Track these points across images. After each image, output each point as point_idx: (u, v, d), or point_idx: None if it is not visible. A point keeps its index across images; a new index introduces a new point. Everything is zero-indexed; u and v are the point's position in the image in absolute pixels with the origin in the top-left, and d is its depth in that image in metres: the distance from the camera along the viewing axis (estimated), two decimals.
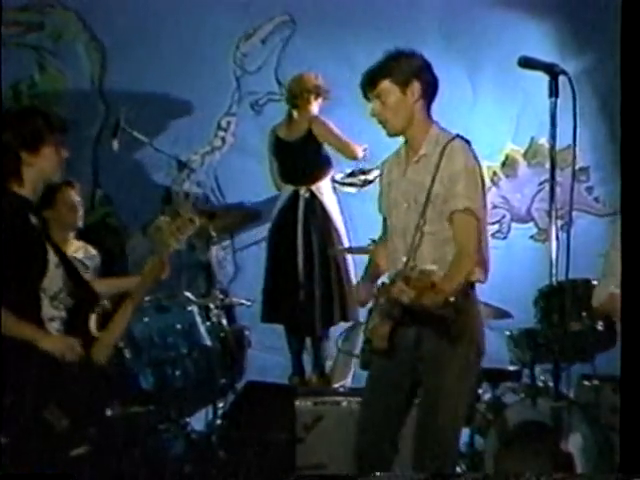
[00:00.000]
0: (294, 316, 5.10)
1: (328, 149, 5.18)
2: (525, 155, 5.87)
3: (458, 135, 3.34)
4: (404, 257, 3.27)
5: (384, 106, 3.30)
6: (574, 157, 3.25)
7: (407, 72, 3.29)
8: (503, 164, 5.89)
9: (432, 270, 3.01)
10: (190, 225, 3.29)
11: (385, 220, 3.52)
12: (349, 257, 5.11)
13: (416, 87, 3.29)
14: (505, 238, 5.89)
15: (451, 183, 3.24)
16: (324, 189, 5.20)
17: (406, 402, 3.37)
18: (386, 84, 3.28)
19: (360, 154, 5.15)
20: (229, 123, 5.66)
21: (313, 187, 5.15)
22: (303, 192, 5.13)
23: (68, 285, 3.23)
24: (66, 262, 3.29)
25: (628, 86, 3.03)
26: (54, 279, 3.18)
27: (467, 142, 3.35)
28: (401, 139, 3.39)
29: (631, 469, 2.82)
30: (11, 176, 3.16)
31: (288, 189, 5.17)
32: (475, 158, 3.33)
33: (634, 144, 2.97)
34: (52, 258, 3.20)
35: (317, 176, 5.18)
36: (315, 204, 5.13)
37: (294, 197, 5.13)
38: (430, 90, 3.34)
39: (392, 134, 3.36)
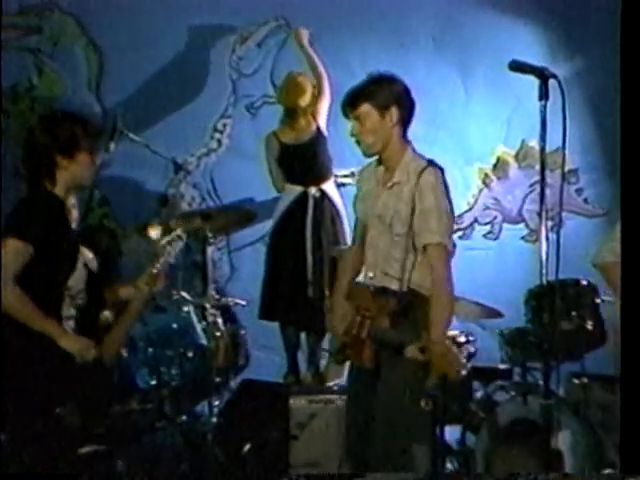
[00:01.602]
0: (298, 313, 5.10)
1: (332, 147, 5.20)
2: (516, 157, 5.87)
3: (430, 162, 3.41)
4: (383, 278, 3.38)
5: (362, 128, 3.39)
6: (563, 159, 3.28)
7: (387, 97, 3.38)
8: (495, 166, 5.90)
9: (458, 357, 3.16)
10: (179, 240, 3.36)
11: (357, 222, 3.63)
12: None
13: (395, 112, 3.38)
14: (497, 239, 5.90)
15: (424, 217, 3.35)
16: (330, 188, 5.23)
17: None
18: (366, 107, 3.37)
19: None
20: (225, 125, 5.65)
21: (323, 186, 5.18)
22: (314, 192, 5.14)
23: (86, 286, 3.27)
24: (87, 265, 3.35)
25: (627, 86, 3.00)
26: (79, 279, 3.23)
27: (440, 169, 3.43)
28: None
29: (631, 469, 2.81)
30: (45, 177, 3.20)
31: (295, 190, 5.17)
32: (445, 187, 3.41)
33: (633, 145, 2.94)
34: (81, 258, 3.24)
35: (326, 175, 5.22)
36: (325, 203, 5.15)
37: (303, 197, 5.13)
38: (407, 115, 3.43)
39: (368, 155, 3.47)
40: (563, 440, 3.99)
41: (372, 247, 3.48)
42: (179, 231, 3.39)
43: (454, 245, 3.45)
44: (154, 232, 3.35)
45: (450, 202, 3.43)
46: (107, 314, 3.51)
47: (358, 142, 3.43)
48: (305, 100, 5.16)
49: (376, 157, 3.48)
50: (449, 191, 3.44)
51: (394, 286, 3.37)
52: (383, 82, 3.41)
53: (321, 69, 5.27)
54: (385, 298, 3.37)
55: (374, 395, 3.41)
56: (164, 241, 3.36)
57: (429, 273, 3.37)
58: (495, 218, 5.92)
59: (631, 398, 2.85)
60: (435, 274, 3.35)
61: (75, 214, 4.26)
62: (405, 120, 3.42)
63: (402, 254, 3.36)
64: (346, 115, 3.44)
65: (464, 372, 4.48)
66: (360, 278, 3.57)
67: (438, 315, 3.32)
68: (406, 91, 3.43)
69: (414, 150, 3.45)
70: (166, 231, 3.40)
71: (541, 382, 4.20)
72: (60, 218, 3.20)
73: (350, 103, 3.41)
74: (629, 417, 2.86)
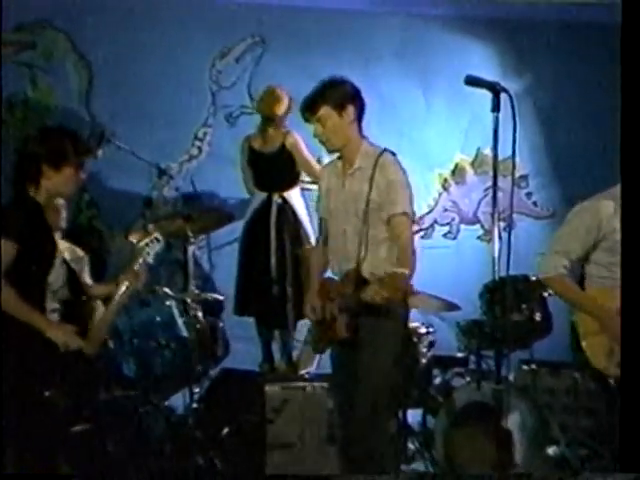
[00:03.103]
0: (266, 310, 5.10)
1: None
2: (472, 164, 5.92)
3: (385, 149, 3.48)
4: (349, 258, 3.40)
5: (324, 128, 3.44)
6: (514, 166, 3.29)
7: (343, 97, 3.45)
8: (453, 172, 5.93)
9: (402, 272, 3.15)
10: (157, 243, 3.37)
11: (321, 222, 3.65)
12: None
13: (351, 110, 3.45)
14: (455, 238, 5.94)
15: (387, 191, 3.38)
16: (294, 195, 5.20)
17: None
18: (326, 109, 3.43)
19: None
20: (205, 134, 5.64)
21: (285, 194, 5.16)
22: (276, 198, 5.13)
23: (67, 282, 3.26)
24: (66, 262, 3.35)
25: (628, 86, 2.97)
26: (59, 275, 3.22)
27: (394, 154, 3.49)
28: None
29: (631, 468, 2.76)
30: (30, 183, 3.18)
31: (261, 195, 5.16)
32: (403, 169, 3.47)
33: (633, 145, 2.89)
34: (58, 257, 3.23)
35: (288, 184, 5.19)
36: (286, 209, 5.13)
37: (267, 202, 5.12)
38: (361, 112, 3.50)
39: (331, 151, 3.52)
40: (513, 421, 4.02)
41: (335, 237, 3.50)
42: (157, 234, 3.42)
43: (412, 212, 3.48)
44: (133, 236, 3.39)
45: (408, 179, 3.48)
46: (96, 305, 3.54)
47: (322, 142, 3.48)
48: (281, 109, 5.14)
49: (337, 154, 3.51)
50: (405, 171, 3.48)
51: (351, 266, 3.38)
52: (336, 84, 3.48)
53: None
54: (348, 281, 3.38)
55: (356, 375, 3.40)
56: (142, 243, 3.38)
57: (387, 249, 3.39)
58: (453, 219, 5.95)
59: (631, 398, 2.76)
60: (401, 241, 3.37)
61: (64, 214, 4.27)
62: (360, 116, 3.48)
63: (361, 234, 3.37)
64: (306, 119, 3.49)
65: (424, 360, 4.51)
66: (328, 273, 3.58)
67: (403, 264, 3.28)
68: (357, 90, 3.50)
69: (370, 142, 3.51)
70: (146, 235, 3.42)
71: (494, 369, 4.26)
72: (39, 221, 3.19)
73: (309, 108, 3.46)
74: (629, 417, 2.76)
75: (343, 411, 3.53)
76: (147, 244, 3.36)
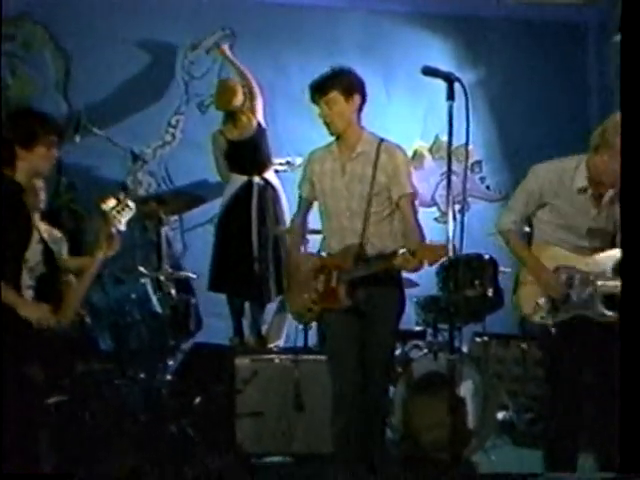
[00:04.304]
0: (245, 286, 5.07)
1: (271, 140, 5.18)
2: (430, 150, 5.93)
3: (382, 138, 3.58)
4: (353, 234, 3.47)
5: (331, 111, 3.49)
6: (467, 151, 3.33)
7: (352, 86, 3.52)
8: (412, 157, 5.92)
9: (438, 246, 3.23)
10: (127, 209, 3.33)
11: (301, 199, 3.67)
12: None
13: (357, 99, 3.53)
14: None
15: (394, 173, 3.49)
16: (272, 176, 5.20)
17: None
18: (335, 94, 3.49)
19: None
20: (178, 121, 5.60)
21: (265, 175, 5.14)
22: (257, 180, 5.11)
23: (44, 259, 3.23)
24: (43, 240, 3.30)
25: (627, 86, 2.87)
26: (36, 252, 3.18)
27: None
28: (332, 138, 3.56)
29: (631, 468, 2.71)
30: (7, 165, 3.15)
31: (241, 179, 5.11)
32: (405, 153, 3.62)
33: (634, 141, 2.82)
34: (35, 235, 3.19)
35: (267, 165, 5.18)
36: (267, 190, 5.11)
37: (248, 185, 5.08)
38: (363, 103, 3.57)
39: (333, 134, 3.55)
40: (466, 388, 4.07)
41: (337, 216, 3.53)
42: (128, 201, 3.36)
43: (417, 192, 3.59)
44: (106, 204, 3.31)
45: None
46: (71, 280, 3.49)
47: (326, 123, 3.51)
48: (238, 100, 5.13)
49: (334, 138, 3.55)
50: (407, 155, 3.62)
51: (355, 241, 3.45)
52: (347, 73, 3.54)
53: (247, 72, 5.26)
54: (348, 255, 3.44)
55: (362, 341, 3.43)
56: (114, 210, 3.31)
57: (388, 225, 3.49)
58: None
59: (631, 397, 2.70)
60: (412, 218, 3.50)
61: (43, 197, 4.20)
62: (361, 107, 3.55)
63: (364, 213, 3.44)
64: (314, 100, 3.52)
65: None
66: (325, 246, 3.60)
67: (414, 238, 3.42)
68: (363, 82, 3.57)
69: (369, 131, 3.59)
70: (118, 203, 3.35)
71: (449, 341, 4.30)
72: (17, 200, 3.15)
73: (320, 90, 3.49)
74: (629, 417, 2.70)
75: (340, 375, 3.48)
76: (118, 211, 3.30)
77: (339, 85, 3.47)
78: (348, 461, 3.43)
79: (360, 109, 3.55)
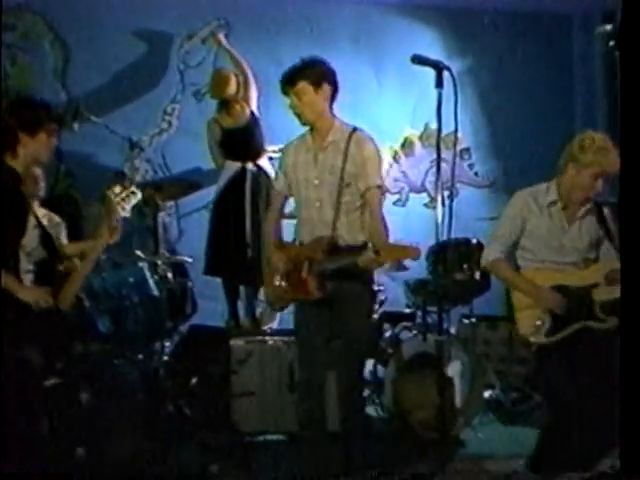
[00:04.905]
0: (238, 269, 5.06)
1: (265, 128, 5.15)
2: (421, 138, 5.92)
3: (355, 127, 3.45)
4: (323, 225, 3.37)
5: (300, 102, 3.39)
6: (456, 138, 3.31)
7: (321, 76, 3.40)
8: (403, 145, 5.93)
9: (406, 246, 3.15)
10: (133, 196, 3.30)
11: (276, 191, 3.59)
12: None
13: (326, 89, 3.41)
14: (404, 206, 5.95)
15: (363, 164, 3.37)
16: (265, 163, 5.17)
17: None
18: (303, 84, 3.38)
19: None
20: (174, 109, 5.58)
21: (259, 162, 5.12)
22: (251, 167, 5.08)
23: (41, 244, 3.21)
24: (41, 226, 3.27)
25: (627, 85, 2.85)
26: (32, 238, 3.17)
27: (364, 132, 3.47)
28: (306, 128, 3.47)
29: (631, 469, 2.67)
30: (8, 151, 3.13)
31: (235, 165, 5.08)
32: (375, 144, 3.45)
33: (634, 136, 2.80)
34: (31, 221, 3.18)
35: (260, 152, 5.15)
36: (261, 176, 5.09)
37: (242, 172, 5.06)
38: (335, 92, 3.46)
39: (304, 124, 3.46)
40: (454, 369, 4.07)
41: (308, 207, 3.45)
42: (134, 188, 3.32)
43: (384, 185, 3.48)
44: (112, 190, 3.28)
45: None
46: (74, 261, 3.46)
47: (297, 114, 3.43)
48: (232, 89, 5.11)
49: (306, 129, 3.47)
50: (377, 146, 3.47)
51: (325, 232, 3.37)
52: (316, 63, 3.43)
53: (242, 61, 5.23)
54: (318, 246, 3.37)
55: (329, 330, 3.38)
56: (121, 196, 3.27)
57: (359, 217, 3.39)
58: (403, 189, 5.96)
59: (631, 398, 2.67)
60: (375, 213, 3.37)
61: (42, 184, 4.18)
62: (333, 96, 3.45)
63: (335, 203, 3.36)
64: (285, 92, 3.44)
65: (376, 316, 4.53)
66: (296, 236, 3.52)
67: (378, 235, 3.31)
68: (333, 72, 3.47)
69: (340, 120, 3.48)
70: (124, 189, 3.32)
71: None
72: (14, 188, 3.13)
73: (289, 81, 3.41)
74: (629, 417, 2.67)
75: (307, 362, 3.48)
76: (123, 198, 3.26)
77: (308, 76, 3.37)
78: (314, 442, 3.43)
79: (332, 99, 3.44)
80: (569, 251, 3.46)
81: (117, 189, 3.28)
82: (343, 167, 3.35)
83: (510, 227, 3.51)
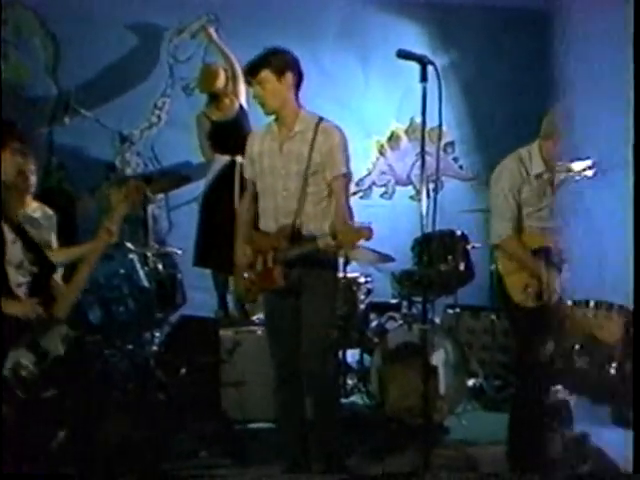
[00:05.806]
0: (229, 261, 5.01)
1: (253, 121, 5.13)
2: (406, 132, 5.90)
3: (321, 117, 3.41)
4: (288, 214, 3.34)
5: (264, 91, 3.35)
6: (440, 133, 3.28)
7: (283, 64, 3.36)
8: (389, 139, 5.92)
9: (359, 227, 3.13)
10: (136, 192, 3.23)
11: (245, 180, 3.57)
12: None
13: (289, 77, 3.36)
14: (390, 198, 5.94)
15: (329, 154, 3.34)
16: None
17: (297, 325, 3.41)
18: (266, 73, 3.34)
19: None
20: (164, 103, 5.55)
21: None
22: (240, 160, 5.04)
23: (28, 256, 3.14)
24: (24, 238, 3.19)
25: None
26: (14, 252, 3.09)
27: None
28: (271, 118, 3.44)
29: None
30: None
31: (224, 158, 5.06)
32: (342, 133, 3.40)
33: None
34: (8, 236, 3.10)
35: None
36: None
37: (231, 165, 5.03)
38: (299, 81, 3.41)
39: (268, 113, 3.42)
40: (438, 357, 4.08)
41: (273, 195, 3.41)
42: (136, 182, 3.24)
43: (350, 173, 3.44)
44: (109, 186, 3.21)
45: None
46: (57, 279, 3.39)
47: (261, 103, 3.39)
48: (220, 83, 5.09)
49: (272, 117, 3.43)
50: (344, 136, 3.42)
51: (289, 221, 3.34)
52: (278, 52, 3.39)
53: (231, 55, 5.20)
54: (283, 235, 3.34)
55: (298, 318, 3.36)
56: (121, 194, 3.20)
57: (325, 207, 3.36)
58: (389, 181, 5.96)
59: None
60: (341, 200, 3.34)
61: (34, 179, 4.14)
62: (298, 85, 3.40)
63: (300, 193, 3.33)
64: (248, 82, 3.42)
65: (362, 306, 4.53)
66: (261, 226, 3.49)
67: (338, 219, 3.29)
68: (296, 60, 3.41)
69: (306, 110, 3.44)
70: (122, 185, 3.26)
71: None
72: None
73: (251, 71, 3.37)
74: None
75: (279, 351, 3.48)
76: (126, 195, 3.17)
77: (270, 64, 3.32)
78: (291, 432, 3.44)
79: (297, 88, 3.39)
80: (550, 216, 3.48)
81: (117, 184, 3.22)
82: (309, 156, 3.32)
83: (508, 200, 3.47)
